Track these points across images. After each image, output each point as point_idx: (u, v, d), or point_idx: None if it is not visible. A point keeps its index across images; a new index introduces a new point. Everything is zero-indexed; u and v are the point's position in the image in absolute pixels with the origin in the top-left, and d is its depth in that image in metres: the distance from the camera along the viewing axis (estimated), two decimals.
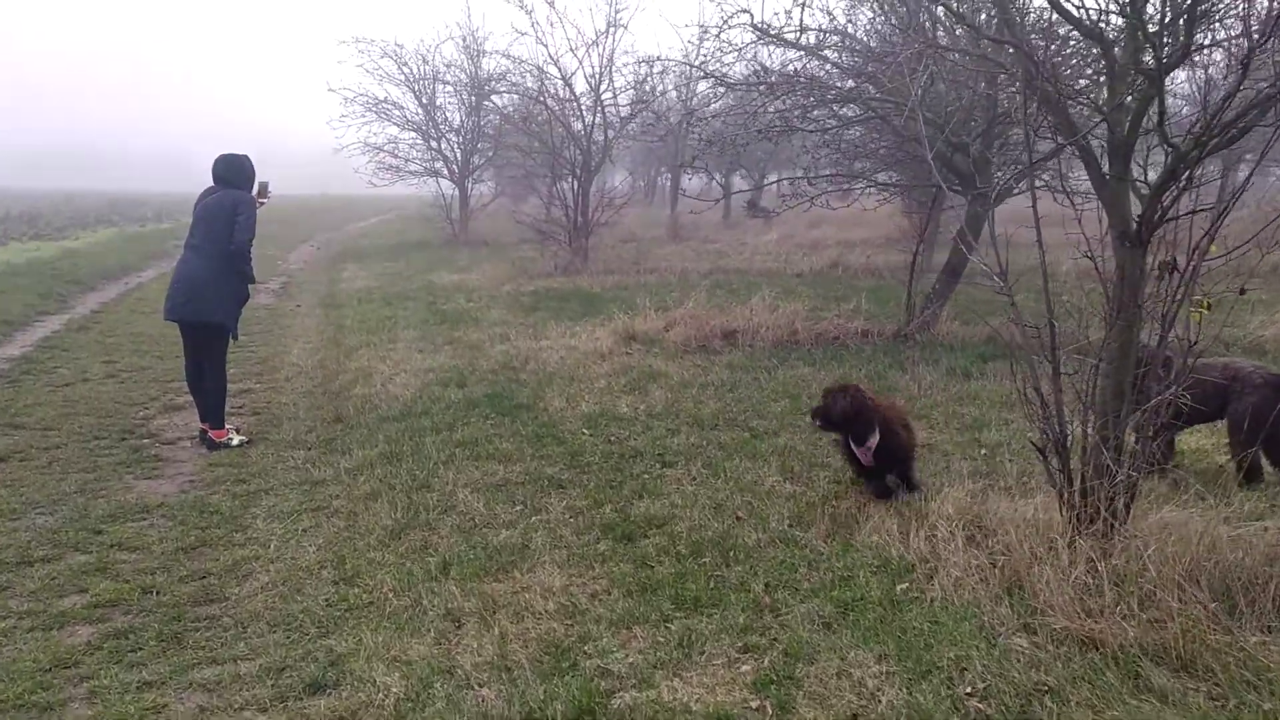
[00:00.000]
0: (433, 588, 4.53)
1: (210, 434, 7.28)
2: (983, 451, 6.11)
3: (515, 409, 7.70)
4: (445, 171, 25.94)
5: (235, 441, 7.28)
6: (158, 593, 4.68)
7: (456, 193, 26.05)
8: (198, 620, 4.38)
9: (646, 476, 5.98)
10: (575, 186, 17.07)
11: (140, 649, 4.13)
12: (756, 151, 9.61)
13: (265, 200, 7.64)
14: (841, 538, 4.78)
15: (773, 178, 23.88)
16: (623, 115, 18.35)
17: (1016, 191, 9.14)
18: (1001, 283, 4.30)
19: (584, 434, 6.95)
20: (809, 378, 8.25)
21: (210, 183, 7.42)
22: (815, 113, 8.90)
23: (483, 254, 21.12)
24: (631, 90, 19.47)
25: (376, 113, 25.18)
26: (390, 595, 4.50)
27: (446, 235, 25.25)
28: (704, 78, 8.97)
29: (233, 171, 7.40)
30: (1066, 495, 4.20)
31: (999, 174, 9.29)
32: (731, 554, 4.68)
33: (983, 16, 8.00)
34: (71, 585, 4.76)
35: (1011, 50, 5.31)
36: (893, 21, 8.86)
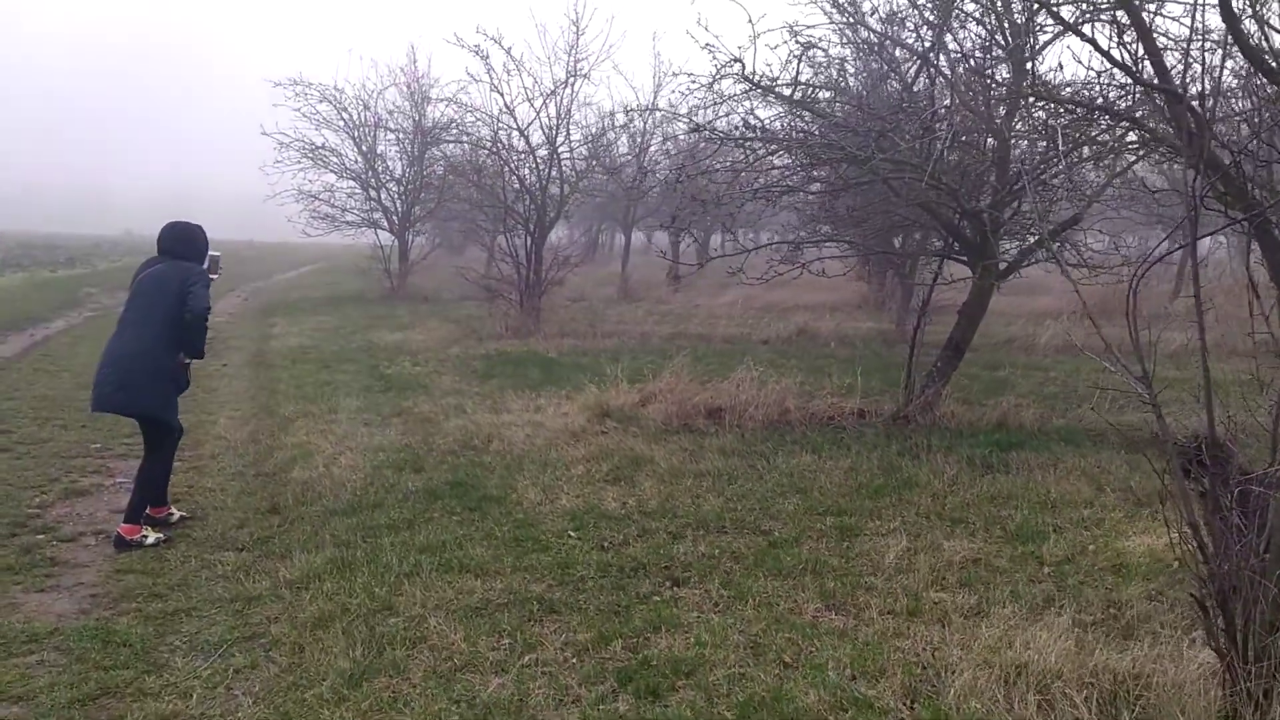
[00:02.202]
0: None
1: (121, 530, 6.11)
2: (1047, 570, 5.24)
3: (484, 502, 6.66)
4: (384, 222, 24.79)
5: (150, 540, 6.12)
6: None
7: (395, 244, 24.90)
8: None
9: (657, 599, 4.99)
10: (528, 242, 16.12)
11: None
12: (746, 211, 8.96)
13: (215, 277, 6.60)
14: (925, 699, 3.84)
15: (751, 240, 23.12)
16: (579, 169, 17.50)
17: (1028, 264, 8.45)
18: (1143, 386, 3.43)
19: (570, 537, 5.94)
20: (813, 468, 7.35)
21: (153, 253, 6.47)
22: (819, 172, 8.15)
23: (423, 310, 20.02)
24: (587, 145, 18.66)
25: (313, 159, 24.00)
26: None
27: (384, 289, 24.06)
28: (694, 130, 8.09)
29: (182, 243, 6.41)
30: (1232, 660, 3.33)
31: (1008, 244, 8.60)
32: None
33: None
34: None
35: (1157, 101, 4.52)
36: (905, 79, 8.17)
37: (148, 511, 6.32)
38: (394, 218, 24.74)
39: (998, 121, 8.05)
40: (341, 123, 24.15)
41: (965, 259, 8.61)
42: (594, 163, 17.85)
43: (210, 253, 6.60)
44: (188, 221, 6.54)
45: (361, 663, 4.33)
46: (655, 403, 9.19)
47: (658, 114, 16.32)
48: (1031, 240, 8.22)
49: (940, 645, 4.28)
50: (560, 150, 16.75)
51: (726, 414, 8.81)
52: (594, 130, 20.26)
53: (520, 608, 4.91)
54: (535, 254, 16.15)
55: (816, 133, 7.83)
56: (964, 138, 7.44)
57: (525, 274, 16.16)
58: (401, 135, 23.97)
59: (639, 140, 21.62)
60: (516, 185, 16.57)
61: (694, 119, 8.37)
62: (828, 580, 5.12)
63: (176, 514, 6.58)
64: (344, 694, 4.08)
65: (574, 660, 4.36)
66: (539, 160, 16.56)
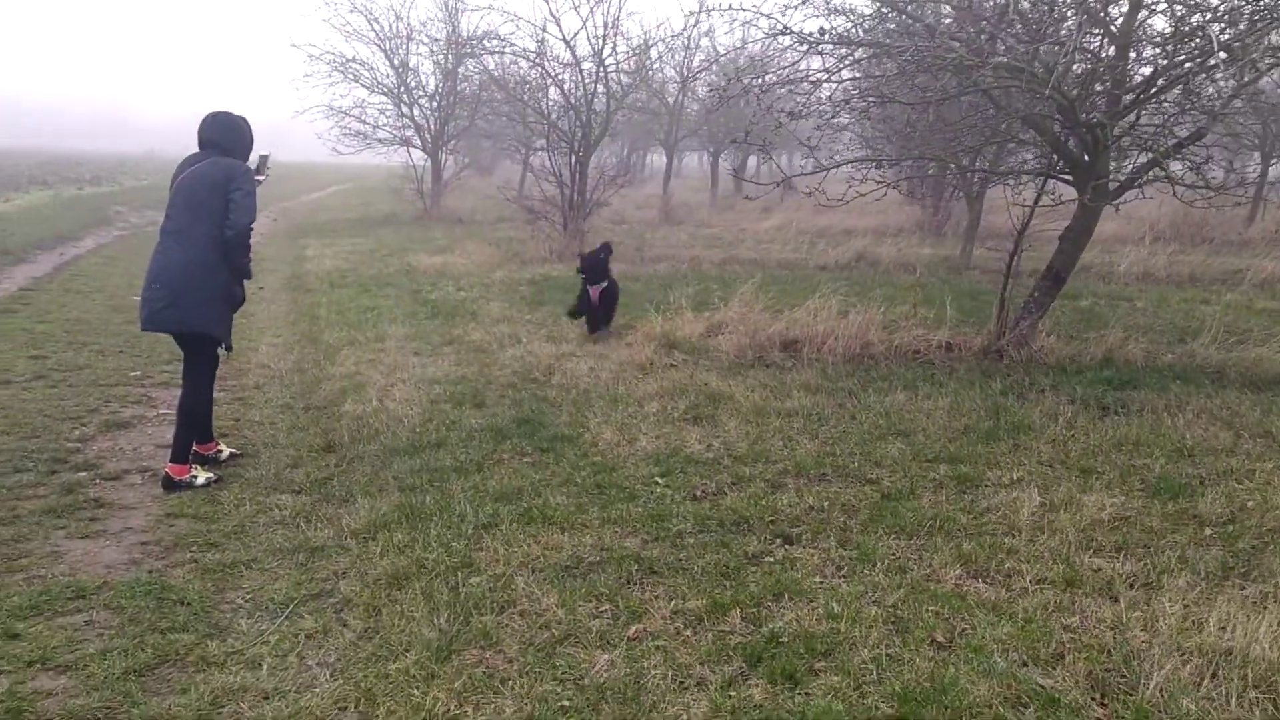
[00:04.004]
0: None
1: (169, 469, 5.62)
2: (1209, 532, 4.64)
3: (556, 442, 6.13)
4: (417, 140, 23.97)
5: (200, 480, 5.63)
6: None
7: (428, 164, 24.11)
8: None
9: (770, 561, 4.44)
10: (572, 161, 15.33)
11: None
12: (801, 130, 8.23)
13: (263, 178, 5.92)
14: (1118, 693, 3.29)
15: (810, 162, 22.20)
16: (624, 84, 16.62)
17: (1141, 183, 7.70)
18: None
19: (658, 485, 5.40)
20: (910, 408, 6.75)
21: (195, 148, 5.73)
22: (919, 79, 7.37)
23: (459, 232, 19.34)
24: (633, 59, 17.70)
25: (343, 73, 23.14)
26: None
27: (416, 210, 23.36)
28: (781, 33, 7.32)
29: (228, 135, 5.70)
30: None
31: (1119, 162, 7.82)
32: None
33: None
34: None
35: None
36: None
37: (195, 449, 5.83)
38: (426, 135, 23.91)
39: (1114, 26, 7.27)
40: (372, 34, 23.25)
41: (1070, 179, 7.86)
42: (641, 76, 16.90)
43: (259, 152, 5.98)
44: (230, 112, 5.80)
45: (448, 631, 3.83)
46: (725, 333, 8.59)
47: (716, 19, 15.31)
48: (1147, 158, 7.45)
49: (1116, 624, 3.71)
50: (607, 63, 15.88)
51: (804, 347, 8.19)
52: (641, 42, 19.24)
53: (616, 567, 4.38)
54: (580, 173, 15.39)
55: (910, 38, 7.04)
56: (1081, 43, 6.65)
57: (569, 195, 15.42)
58: (435, 47, 23.01)
59: (685, 51, 20.61)
60: (560, 100, 15.74)
61: (776, 20, 7.58)
62: (962, 541, 4.55)
63: (226, 451, 6.10)
64: (432, 669, 3.58)
65: (688, 633, 3.83)
66: (584, 74, 15.70)
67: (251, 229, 5.60)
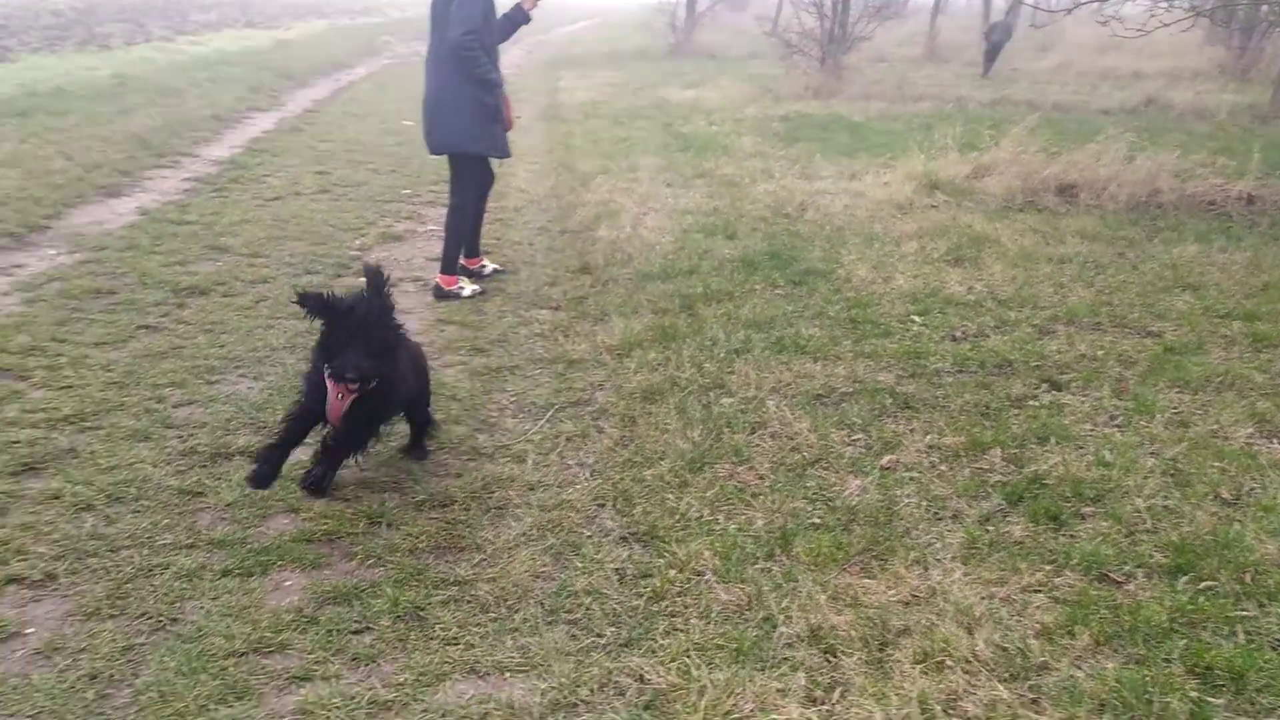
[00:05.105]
0: (775, 576, 3.04)
1: (439, 279, 5.95)
2: None
3: (808, 276, 6.02)
4: None
5: (466, 292, 5.93)
6: (388, 524, 3.37)
7: None
8: (443, 584, 3.04)
9: (1035, 404, 4.24)
10: None
11: (368, 628, 2.83)
12: None
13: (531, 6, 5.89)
14: None
15: None
16: None
17: None
18: None
19: (915, 323, 5.23)
20: (1201, 260, 6.18)
21: None
22: None
23: (711, 68, 18.96)
24: None
25: None
26: (714, 582, 3.03)
27: (667, 45, 23.05)
28: None
29: None
30: None
31: None
32: (1257, 582, 2.95)
33: None
34: (278, 500, 3.50)
35: None
36: None
37: (461, 262, 6.11)
38: None
39: None
40: None
41: None
42: None
43: None
44: None
45: (700, 445, 3.91)
46: (992, 175, 8.07)
47: None
48: None
49: None
50: None
51: (1082, 191, 7.59)
52: None
53: (869, 399, 4.31)
54: (843, 4, 14.60)
55: None
56: None
57: (829, 27, 14.71)
58: None
59: None
60: None
61: None
62: (1255, 400, 4.17)
63: (490, 266, 6.37)
64: (685, 478, 3.68)
65: (943, 467, 3.74)
66: None
67: (474, 37, 5.39)
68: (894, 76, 15.90)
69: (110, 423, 4.02)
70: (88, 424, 4.01)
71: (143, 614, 2.85)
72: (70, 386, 4.33)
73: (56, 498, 3.44)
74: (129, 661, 2.66)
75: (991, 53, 13.00)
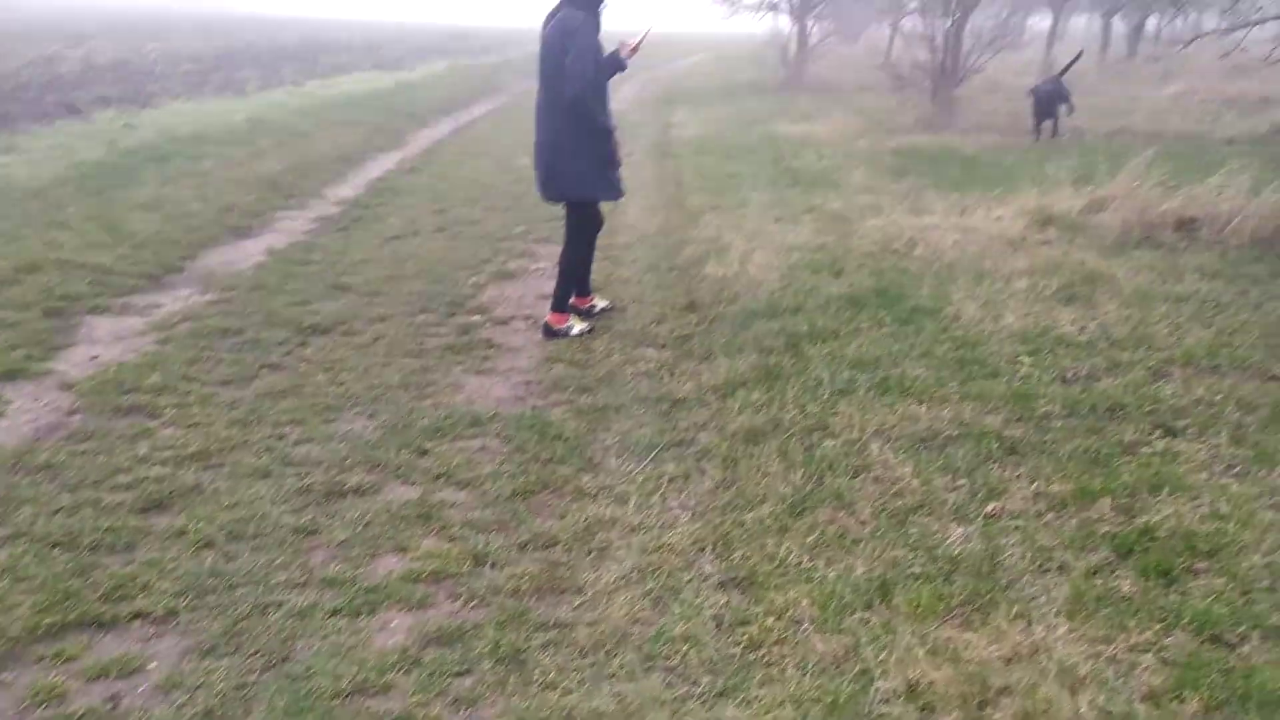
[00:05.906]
0: (873, 627, 3.04)
1: (549, 318, 6.10)
2: None
3: (915, 314, 5.97)
4: (784, 6, 23.54)
5: (575, 330, 6.07)
6: (492, 564, 3.48)
7: (794, 29, 23.66)
8: (543, 627, 3.13)
9: (1148, 451, 4.13)
10: (948, 23, 14.43)
11: (470, 671, 2.93)
12: None
13: (634, 45, 5.81)
14: None
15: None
16: None
17: None
18: None
19: (1024, 363, 5.14)
20: None
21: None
22: None
23: (824, 101, 18.96)
24: None
25: None
26: (812, 631, 3.05)
27: (779, 78, 23.13)
28: None
29: None
30: None
31: None
32: None
33: None
34: (388, 538, 3.66)
35: None
36: None
37: (572, 301, 6.26)
38: (793, 1, 23.40)
39: None
40: None
41: None
42: None
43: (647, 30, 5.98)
44: None
45: (802, 489, 3.93)
46: (1108, 209, 7.87)
47: None
48: None
49: None
50: None
51: (1203, 227, 7.35)
52: None
53: (975, 443, 4.26)
54: (955, 36, 14.46)
55: None
56: None
57: (941, 60, 14.58)
58: None
59: None
60: None
61: None
62: None
63: (600, 304, 6.48)
64: (786, 522, 3.70)
65: (1050, 516, 3.68)
66: None
67: (589, 78, 5.39)
68: (1008, 107, 15.61)
69: (233, 460, 4.25)
70: (212, 461, 4.24)
71: (255, 652, 2.98)
72: (197, 424, 4.59)
73: (181, 534, 3.63)
74: (241, 699, 2.79)
75: (1040, 114, 12.30)
